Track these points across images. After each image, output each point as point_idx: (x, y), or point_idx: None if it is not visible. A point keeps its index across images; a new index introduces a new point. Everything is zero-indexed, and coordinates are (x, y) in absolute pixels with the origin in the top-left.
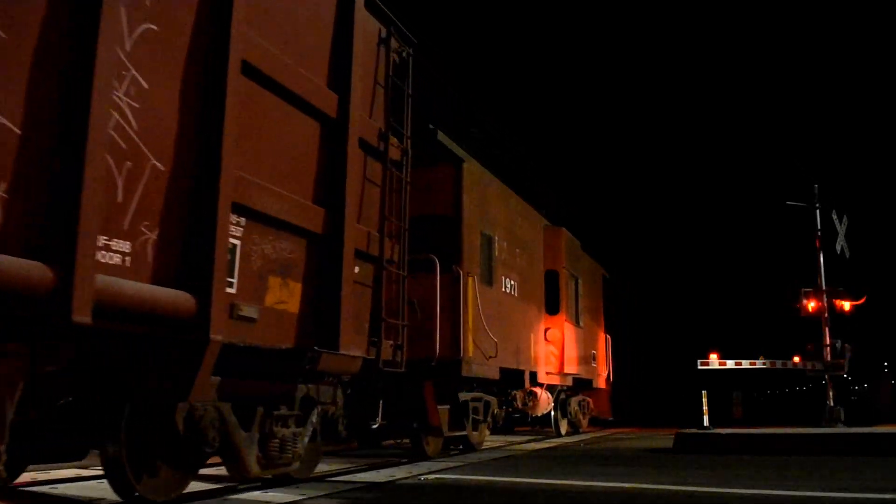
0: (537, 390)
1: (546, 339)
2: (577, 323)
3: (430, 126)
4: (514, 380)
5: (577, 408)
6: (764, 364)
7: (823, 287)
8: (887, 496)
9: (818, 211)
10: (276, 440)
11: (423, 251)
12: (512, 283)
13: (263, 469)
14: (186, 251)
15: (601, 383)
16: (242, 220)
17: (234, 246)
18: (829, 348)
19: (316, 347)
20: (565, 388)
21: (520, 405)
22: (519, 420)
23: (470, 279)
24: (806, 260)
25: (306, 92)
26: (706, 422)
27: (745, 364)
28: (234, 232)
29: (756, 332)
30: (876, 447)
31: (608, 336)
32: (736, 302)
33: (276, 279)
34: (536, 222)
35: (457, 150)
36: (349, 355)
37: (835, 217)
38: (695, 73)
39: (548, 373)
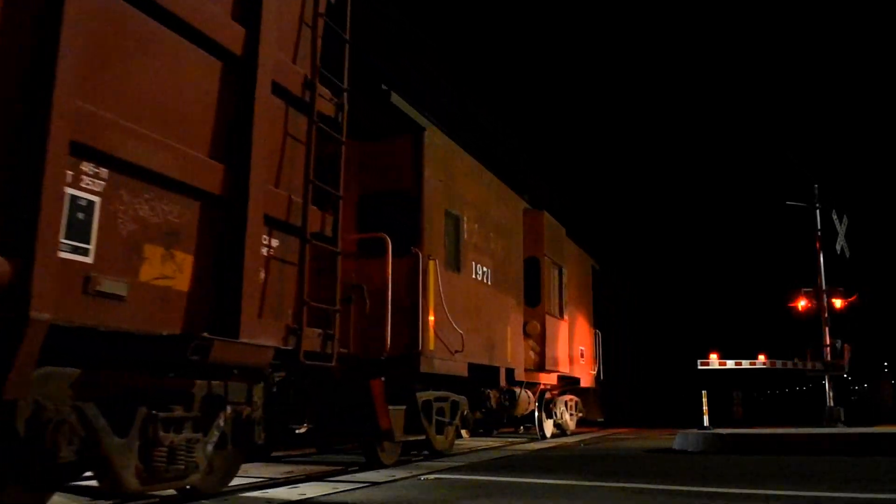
0: (517, 389)
1: (525, 333)
2: (560, 316)
3: (384, 87)
4: (489, 377)
5: (563, 408)
6: (764, 364)
7: (823, 287)
8: (887, 496)
9: (818, 211)
10: (164, 448)
11: (380, 232)
12: (484, 269)
13: (145, 484)
14: (8, 203)
15: (590, 382)
16: (104, 172)
17: (91, 203)
18: (829, 348)
19: (206, 334)
20: (549, 387)
21: (495, 405)
22: (504, 422)
23: (431, 263)
24: (806, 260)
25: (199, 19)
26: (706, 422)
27: (745, 364)
28: (90, 185)
29: (756, 332)
30: (876, 447)
31: (598, 331)
32: (736, 302)
33: (156, 249)
34: (515, 205)
35: (417, 118)
36: (254, 344)
37: (835, 217)
38: (696, 75)
39: (527, 370)
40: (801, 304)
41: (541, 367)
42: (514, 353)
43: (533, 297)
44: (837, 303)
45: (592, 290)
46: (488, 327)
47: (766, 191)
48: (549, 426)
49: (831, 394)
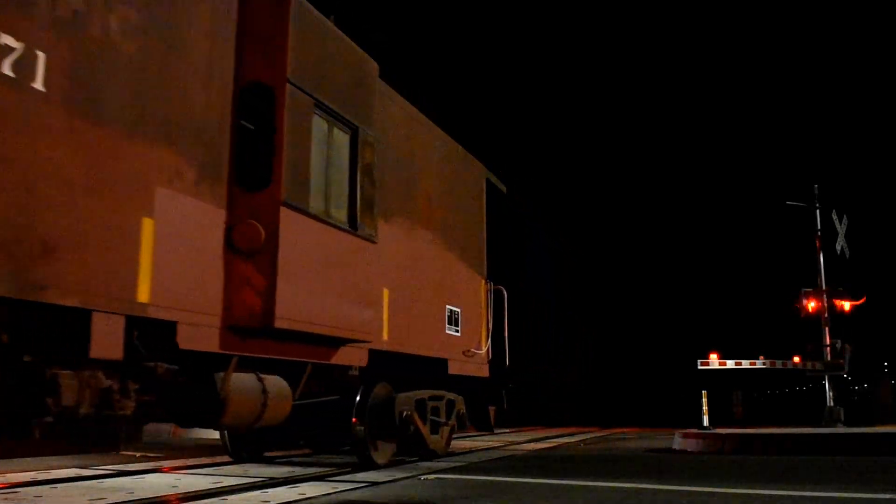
0: (222, 375)
1: (232, 243)
2: (350, 226)
3: None
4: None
5: (413, 413)
6: (764, 364)
7: (823, 287)
8: (887, 496)
9: (818, 211)
10: None
11: None
12: (18, 48)
13: None
14: None
15: (472, 368)
16: None
17: None
18: (829, 348)
19: None
20: (377, 372)
21: (80, 406)
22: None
23: None
24: (806, 260)
25: None
26: (706, 422)
27: (745, 364)
28: None
29: (756, 332)
30: (875, 447)
31: (500, 289)
32: (736, 302)
33: None
34: None
35: None
36: None
37: (835, 217)
38: (695, 74)
39: (233, 326)
40: (811, 305)
41: (266, 316)
42: (180, 282)
43: (257, 170)
44: (846, 305)
45: (490, 221)
46: (26, 200)
47: (766, 191)
48: (385, 448)
49: (831, 394)
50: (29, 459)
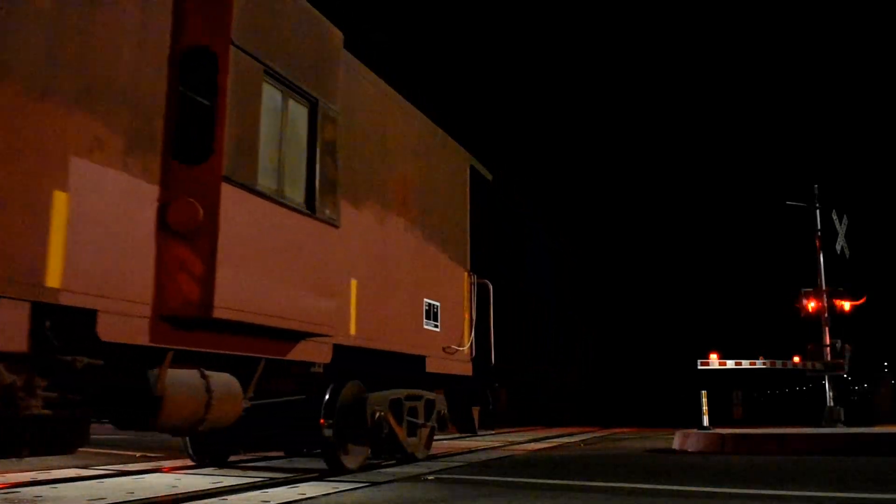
0: (155, 373)
1: (167, 224)
2: (308, 208)
3: None
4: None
5: (387, 414)
6: (764, 364)
7: (824, 287)
8: (887, 496)
9: (818, 211)
10: None
11: None
12: None
13: None
14: None
15: (453, 366)
16: None
17: None
18: (829, 348)
19: None
20: (319, 366)
21: None
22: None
23: None
24: (806, 260)
25: None
26: (706, 422)
27: (745, 364)
28: None
29: (756, 332)
30: (875, 447)
31: (483, 281)
32: (736, 302)
33: None
34: None
35: None
36: None
37: (835, 217)
38: (695, 74)
39: (167, 316)
40: (811, 305)
41: (204, 306)
42: (100, 266)
43: (196, 142)
44: (846, 305)
45: (475, 211)
46: None
47: (766, 191)
48: (357, 452)
49: (831, 394)
50: (29, 459)
